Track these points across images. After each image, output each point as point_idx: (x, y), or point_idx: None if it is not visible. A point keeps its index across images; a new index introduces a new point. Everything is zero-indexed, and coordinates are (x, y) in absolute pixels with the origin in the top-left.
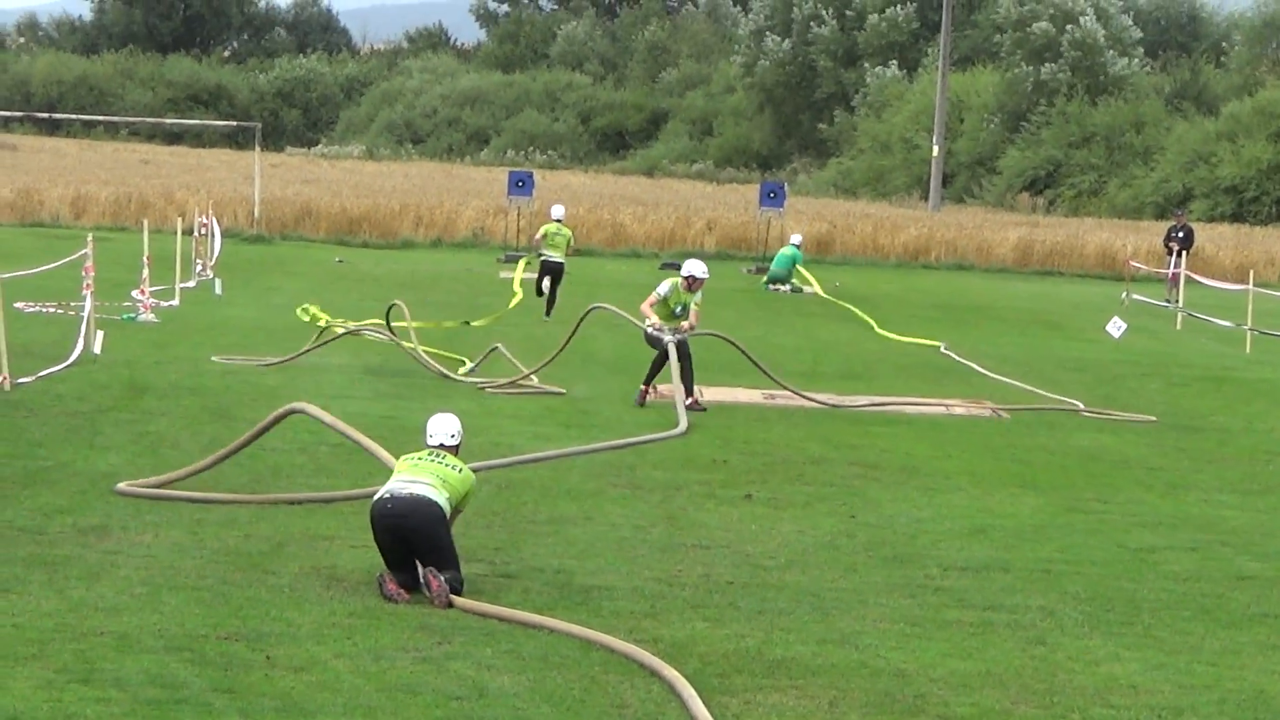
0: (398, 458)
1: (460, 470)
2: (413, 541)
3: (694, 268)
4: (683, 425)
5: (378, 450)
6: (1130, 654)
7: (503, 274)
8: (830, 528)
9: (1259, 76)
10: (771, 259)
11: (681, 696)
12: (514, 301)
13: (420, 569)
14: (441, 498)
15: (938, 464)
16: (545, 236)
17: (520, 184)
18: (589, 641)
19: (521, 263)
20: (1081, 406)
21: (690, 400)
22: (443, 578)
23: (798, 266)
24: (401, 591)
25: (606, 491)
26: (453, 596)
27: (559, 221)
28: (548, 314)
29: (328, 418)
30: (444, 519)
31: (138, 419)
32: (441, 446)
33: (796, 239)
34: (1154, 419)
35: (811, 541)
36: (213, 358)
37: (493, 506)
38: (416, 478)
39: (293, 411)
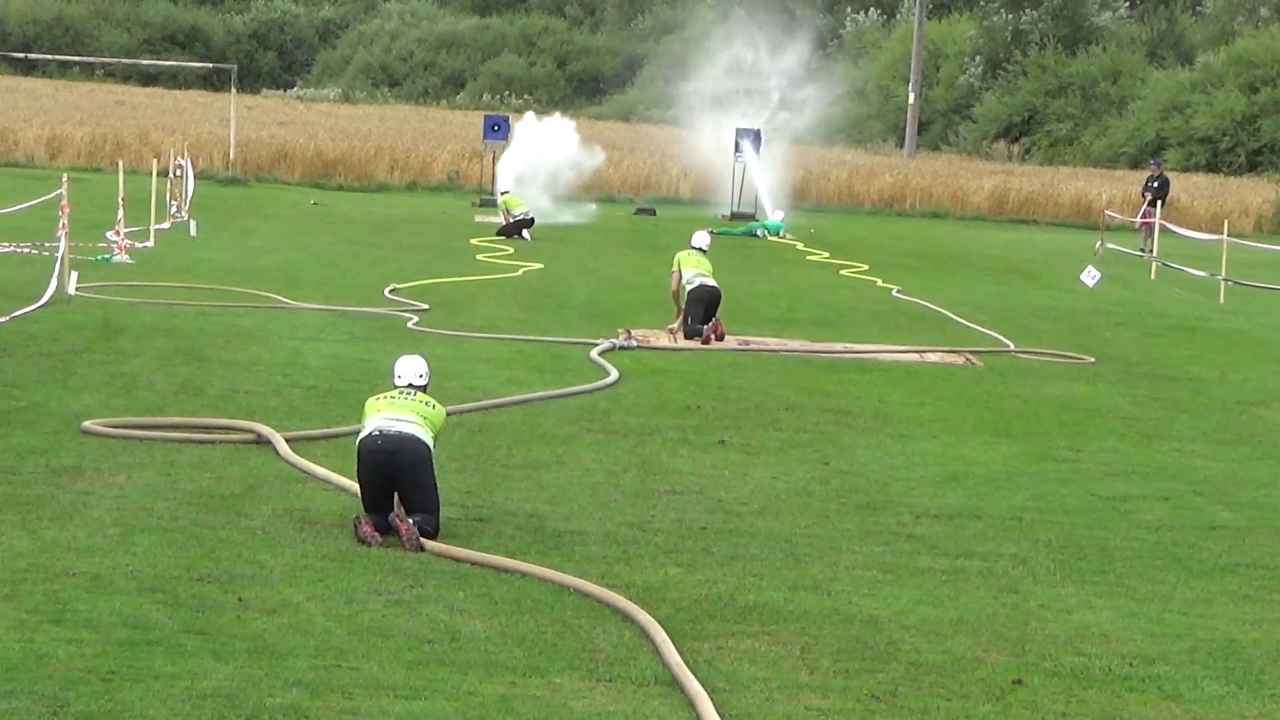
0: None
1: (434, 406)
2: (399, 479)
3: None
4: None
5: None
6: (1102, 602)
7: (478, 218)
8: (803, 474)
9: (1235, 26)
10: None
11: (654, 641)
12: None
13: (395, 508)
14: (428, 436)
15: (911, 411)
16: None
17: (496, 128)
18: (561, 586)
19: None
20: (1011, 346)
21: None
22: (411, 521)
23: (778, 234)
24: (375, 534)
25: (580, 436)
26: (424, 540)
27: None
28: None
29: (294, 457)
30: (430, 458)
31: (111, 360)
32: (410, 386)
33: (781, 214)
34: (1092, 360)
35: (784, 488)
36: None
37: (465, 450)
38: (401, 415)
39: (262, 439)
